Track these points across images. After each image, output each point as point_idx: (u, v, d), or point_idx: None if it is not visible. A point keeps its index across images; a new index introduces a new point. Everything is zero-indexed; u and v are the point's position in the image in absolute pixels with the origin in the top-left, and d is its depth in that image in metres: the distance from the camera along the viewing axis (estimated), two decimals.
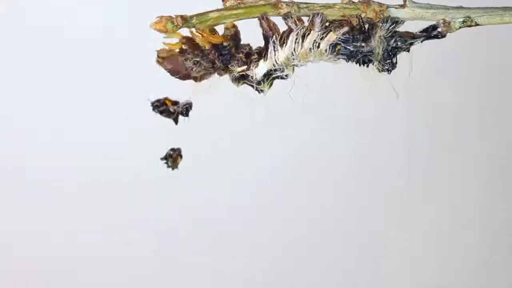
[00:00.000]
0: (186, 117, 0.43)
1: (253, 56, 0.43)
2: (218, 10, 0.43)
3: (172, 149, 0.46)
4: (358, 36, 0.43)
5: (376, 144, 1.03)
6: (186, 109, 0.43)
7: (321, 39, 0.42)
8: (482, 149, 1.06)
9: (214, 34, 0.42)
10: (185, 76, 0.43)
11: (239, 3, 0.43)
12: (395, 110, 1.02)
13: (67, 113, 0.94)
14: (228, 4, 0.43)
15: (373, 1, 0.44)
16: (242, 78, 0.43)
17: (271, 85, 0.43)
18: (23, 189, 0.95)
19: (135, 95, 0.92)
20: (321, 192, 1.03)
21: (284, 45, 0.42)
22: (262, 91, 0.43)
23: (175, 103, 0.43)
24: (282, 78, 0.43)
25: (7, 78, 0.93)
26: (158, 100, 0.44)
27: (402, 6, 0.44)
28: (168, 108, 0.43)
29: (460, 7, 0.45)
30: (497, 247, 1.08)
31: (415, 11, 0.44)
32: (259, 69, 0.43)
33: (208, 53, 0.43)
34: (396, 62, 0.44)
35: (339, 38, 0.43)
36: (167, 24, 0.41)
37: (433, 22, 0.44)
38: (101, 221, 0.97)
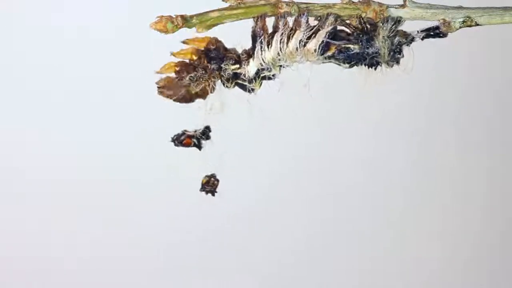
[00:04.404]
0: (208, 140, 0.45)
1: (243, 55, 0.43)
2: (218, 10, 0.43)
3: (206, 176, 0.46)
4: (361, 37, 0.43)
5: (377, 144, 1.03)
6: (205, 133, 0.44)
7: (308, 38, 0.43)
8: (482, 148, 1.06)
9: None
10: (189, 98, 0.44)
11: (239, 3, 0.43)
12: (395, 110, 1.02)
13: (67, 113, 0.94)
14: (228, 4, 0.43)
15: (373, 1, 0.44)
16: (235, 77, 0.43)
17: (261, 84, 0.44)
18: (23, 189, 0.95)
19: (135, 95, 0.92)
20: (323, 192, 1.03)
21: (270, 45, 0.43)
22: (253, 90, 0.44)
23: (192, 136, 0.44)
24: (269, 78, 0.44)
25: (7, 78, 0.93)
26: (177, 134, 0.44)
27: (402, 6, 0.44)
28: (188, 138, 0.44)
29: (460, 7, 0.45)
30: (500, 247, 1.08)
31: (415, 11, 0.44)
32: (250, 67, 0.43)
33: (199, 63, 0.43)
34: (402, 55, 0.44)
35: (334, 42, 0.43)
36: (167, 24, 0.41)
37: (434, 22, 0.44)
38: (101, 221, 0.97)
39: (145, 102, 0.81)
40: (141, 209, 0.97)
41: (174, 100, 0.44)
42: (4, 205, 0.95)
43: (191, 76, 0.43)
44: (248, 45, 0.44)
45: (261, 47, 0.43)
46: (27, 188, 0.95)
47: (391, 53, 0.44)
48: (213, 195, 0.46)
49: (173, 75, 0.43)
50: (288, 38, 0.43)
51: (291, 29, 0.43)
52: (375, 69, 0.44)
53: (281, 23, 0.43)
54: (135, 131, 0.95)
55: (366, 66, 0.44)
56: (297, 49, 0.43)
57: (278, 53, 0.43)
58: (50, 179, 0.95)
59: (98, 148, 0.95)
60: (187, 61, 0.43)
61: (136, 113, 0.94)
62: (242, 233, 1.01)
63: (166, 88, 0.43)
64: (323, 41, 0.43)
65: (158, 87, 0.43)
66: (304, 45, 0.43)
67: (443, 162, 1.06)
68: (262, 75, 0.43)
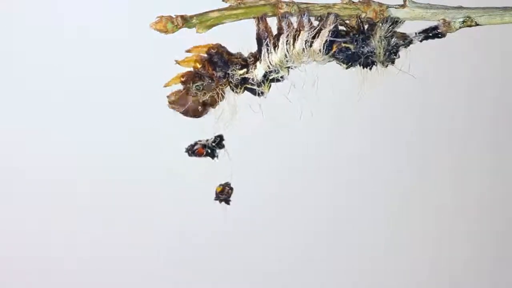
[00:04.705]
0: (223, 149, 0.44)
1: (250, 59, 0.43)
2: (218, 10, 0.43)
3: (220, 185, 0.46)
4: (357, 36, 0.43)
5: (377, 144, 1.03)
6: (217, 142, 0.44)
7: (313, 38, 0.43)
8: (482, 148, 1.06)
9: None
10: (198, 111, 0.43)
11: (239, 3, 0.43)
12: (394, 111, 1.02)
13: (67, 113, 0.94)
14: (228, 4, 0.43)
15: (373, 1, 0.44)
16: (243, 82, 0.43)
17: (270, 87, 0.43)
18: (23, 189, 0.95)
19: (135, 95, 0.92)
20: (330, 193, 1.03)
21: (277, 47, 0.43)
22: (262, 93, 0.43)
23: (204, 145, 0.44)
24: (278, 80, 0.43)
25: (7, 78, 0.93)
26: (190, 145, 0.44)
27: (402, 6, 0.44)
28: (201, 147, 0.44)
29: (460, 7, 0.45)
30: (500, 247, 1.08)
31: (415, 11, 0.44)
32: (258, 71, 0.43)
33: (204, 71, 0.43)
34: (398, 56, 0.44)
35: (337, 40, 0.43)
36: (167, 24, 0.41)
37: (433, 23, 0.44)
38: (101, 221, 0.97)
39: (145, 102, 0.81)
40: (141, 210, 0.97)
41: (184, 115, 0.43)
42: (4, 205, 0.95)
43: (197, 85, 0.43)
44: (250, 46, 0.43)
45: (268, 50, 0.43)
46: (27, 188, 0.95)
47: (387, 54, 0.44)
48: (228, 203, 0.45)
49: (180, 86, 0.43)
50: (294, 39, 0.43)
51: (296, 30, 0.43)
52: (370, 69, 0.44)
53: (284, 24, 0.43)
54: (135, 131, 0.95)
55: (361, 66, 0.44)
56: (303, 49, 0.43)
57: (285, 55, 0.43)
58: (50, 179, 0.95)
59: (98, 148, 0.95)
60: (192, 69, 0.43)
61: (137, 113, 0.94)
62: (249, 236, 1.01)
63: (177, 103, 0.43)
64: (326, 40, 0.43)
65: (169, 102, 0.43)
66: (310, 46, 0.43)
67: (443, 162, 1.06)
68: (270, 77, 0.43)
